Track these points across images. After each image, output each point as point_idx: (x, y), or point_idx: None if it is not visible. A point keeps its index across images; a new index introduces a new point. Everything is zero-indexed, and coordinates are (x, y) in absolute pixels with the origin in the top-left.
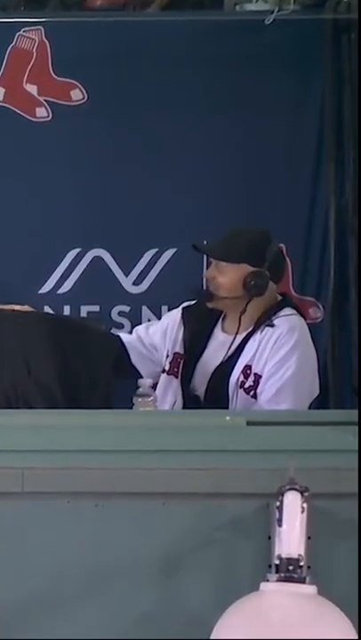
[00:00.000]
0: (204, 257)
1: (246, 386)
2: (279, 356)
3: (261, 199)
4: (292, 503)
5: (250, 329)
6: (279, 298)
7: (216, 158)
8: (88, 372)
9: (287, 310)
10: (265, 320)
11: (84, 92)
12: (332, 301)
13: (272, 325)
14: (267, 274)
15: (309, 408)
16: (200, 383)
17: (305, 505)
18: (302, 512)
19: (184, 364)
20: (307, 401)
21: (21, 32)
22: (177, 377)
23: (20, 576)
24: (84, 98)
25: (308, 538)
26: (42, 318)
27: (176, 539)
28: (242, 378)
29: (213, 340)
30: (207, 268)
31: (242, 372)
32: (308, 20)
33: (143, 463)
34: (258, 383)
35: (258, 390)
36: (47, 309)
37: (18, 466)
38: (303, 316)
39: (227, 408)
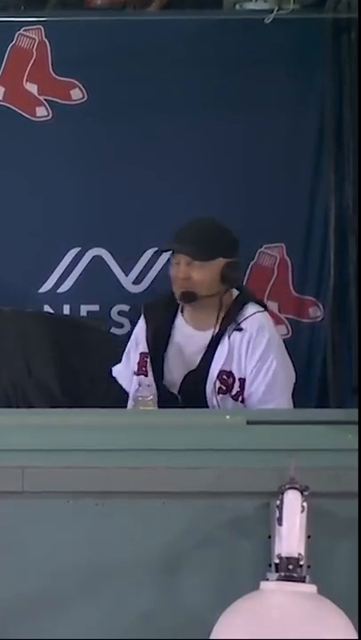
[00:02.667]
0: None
1: (233, 393)
2: (256, 358)
3: (261, 199)
4: (292, 502)
5: (217, 328)
6: (235, 292)
7: (216, 157)
8: (88, 371)
9: (249, 309)
10: (230, 322)
11: (84, 91)
12: (332, 301)
13: (240, 329)
14: (238, 262)
15: (308, 407)
16: (173, 380)
17: (305, 504)
18: (302, 511)
19: (151, 361)
20: (290, 389)
21: (21, 31)
22: (146, 375)
23: (19, 575)
24: (83, 97)
25: (308, 537)
26: (42, 318)
27: (176, 538)
28: (219, 384)
29: (177, 332)
30: (172, 264)
31: (218, 378)
32: (308, 19)
33: (143, 462)
34: (243, 388)
35: (245, 394)
36: (47, 308)
37: (18, 465)
38: (263, 304)
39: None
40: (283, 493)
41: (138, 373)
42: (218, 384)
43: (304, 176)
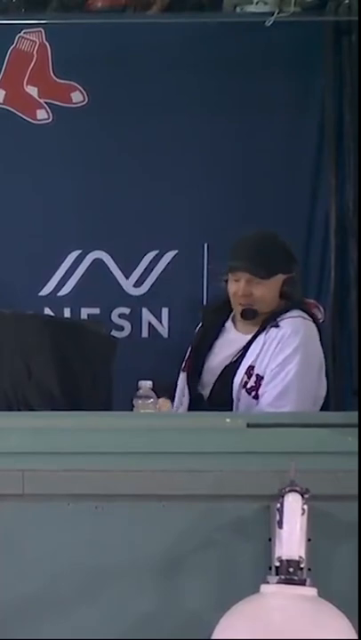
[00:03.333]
0: (205, 260)
1: (248, 386)
2: (281, 358)
3: (262, 200)
4: (293, 505)
5: (257, 329)
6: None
7: (216, 160)
8: (88, 374)
9: (294, 312)
10: (271, 320)
11: (85, 94)
12: (333, 302)
13: (277, 326)
14: (297, 277)
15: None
16: (208, 381)
17: (305, 507)
18: (303, 514)
19: (191, 358)
20: (310, 405)
21: (22, 34)
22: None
23: (19, 578)
24: (84, 100)
25: (309, 540)
26: (42, 321)
27: (176, 541)
28: (245, 378)
29: (224, 337)
30: (224, 277)
31: (245, 372)
32: (308, 22)
33: (143, 465)
34: (260, 384)
35: (259, 392)
36: (48, 311)
37: (18, 468)
38: (314, 318)
39: (230, 409)
40: (283, 496)
41: (184, 370)
42: (244, 378)
43: (305, 178)
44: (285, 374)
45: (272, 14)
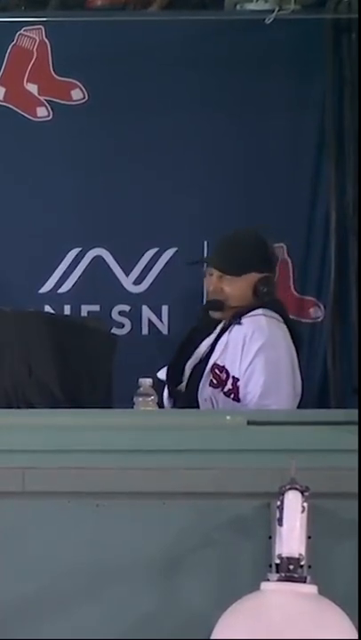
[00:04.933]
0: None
1: (225, 390)
2: (249, 359)
3: (262, 199)
4: (293, 503)
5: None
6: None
7: (217, 158)
8: (89, 371)
9: (258, 310)
10: (235, 319)
11: (85, 91)
12: (333, 301)
13: (239, 324)
14: (273, 277)
15: (307, 407)
16: (185, 376)
17: (305, 504)
18: (303, 512)
19: (176, 355)
20: (290, 402)
21: (22, 31)
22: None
23: (20, 576)
24: (84, 97)
25: (309, 537)
26: (42, 318)
27: (176, 538)
28: (210, 377)
29: (211, 336)
30: (206, 275)
31: (210, 370)
32: (308, 19)
33: (144, 463)
34: (237, 387)
35: (240, 395)
36: (48, 309)
37: (18, 465)
38: (284, 315)
39: (197, 406)
40: (283, 494)
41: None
42: (210, 376)
43: (305, 176)
44: (259, 374)
45: (272, 12)
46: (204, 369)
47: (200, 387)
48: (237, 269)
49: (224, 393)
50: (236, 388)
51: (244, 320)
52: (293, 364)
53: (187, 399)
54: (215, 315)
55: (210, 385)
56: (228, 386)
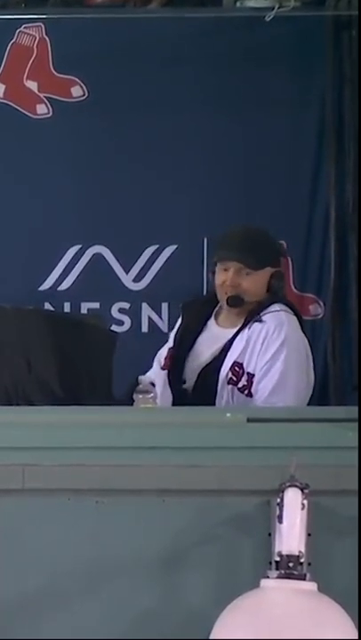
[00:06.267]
0: (205, 254)
1: (240, 385)
2: (268, 355)
3: (262, 196)
4: (293, 500)
5: (240, 324)
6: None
7: (216, 155)
8: (88, 368)
9: (276, 306)
10: (254, 315)
11: (85, 88)
12: (333, 298)
13: (260, 321)
14: (283, 272)
15: (309, 404)
16: (190, 377)
17: (305, 502)
18: (303, 509)
19: (172, 356)
20: (302, 399)
21: (22, 28)
22: (170, 370)
23: (20, 573)
24: (84, 94)
25: (309, 535)
26: (42, 315)
27: (176, 535)
28: (230, 375)
29: (206, 333)
30: (211, 268)
31: (230, 368)
32: (308, 16)
33: (144, 460)
34: (251, 383)
35: (252, 390)
36: (48, 306)
37: (18, 463)
38: (296, 311)
39: (214, 403)
40: (283, 491)
41: (163, 368)
42: (230, 374)
43: (304, 174)
44: (274, 372)
45: (272, 9)
46: (219, 369)
47: (219, 388)
48: (258, 263)
49: (238, 389)
50: (250, 384)
51: (265, 317)
52: (308, 358)
53: (196, 400)
54: (236, 310)
55: (229, 383)
56: (243, 382)
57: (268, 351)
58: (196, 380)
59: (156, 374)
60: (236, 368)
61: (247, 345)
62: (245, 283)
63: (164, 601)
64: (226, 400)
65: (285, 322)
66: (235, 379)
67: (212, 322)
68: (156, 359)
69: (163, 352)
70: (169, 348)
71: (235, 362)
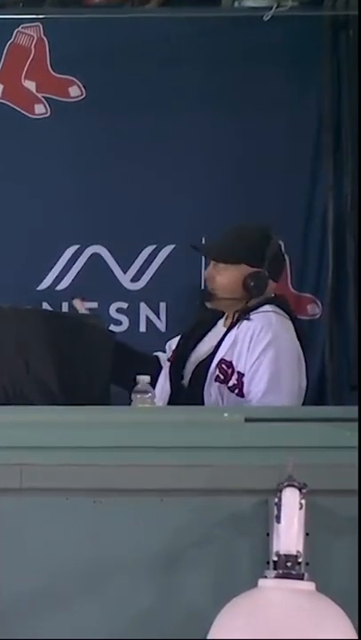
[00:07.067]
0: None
1: (230, 384)
2: (255, 355)
3: (260, 195)
4: (291, 500)
5: (231, 321)
6: (271, 295)
7: (214, 155)
8: (86, 368)
9: (267, 307)
10: (244, 314)
11: (83, 88)
12: (331, 298)
13: (248, 319)
14: (266, 274)
15: (304, 405)
16: (187, 373)
17: (303, 501)
18: (301, 509)
19: (177, 350)
20: (295, 397)
21: (20, 28)
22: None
23: (18, 573)
24: (82, 94)
25: (307, 534)
26: (40, 315)
27: (174, 535)
28: (217, 372)
29: (213, 330)
30: (206, 266)
31: (217, 366)
32: (306, 16)
33: (141, 460)
34: (242, 382)
35: (244, 391)
36: (46, 306)
37: (16, 462)
38: (290, 313)
39: (202, 400)
40: (281, 491)
41: (169, 359)
42: (216, 372)
43: (302, 173)
44: (264, 371)
45: (270, 9)
46: (210, 366)
47: (206, 385)
48: (228, 257)
49: (228, 388)
50: (240, 384)
51: (254, 316)
52: (300, 361)
53: (190, 396)
54: (209, 305)
55: (216, 380)
56: (233, 381)
57: (256, 350)
58: (191, 376)
59: (164, 362)
60: (224, 366)
61: (235, 343)
62: (219, 277)
63: (162, 600)
64: (214, 398)
65: (274, 322)
66: (222, 377)
67: (221, 320)
68: (167, 345)
69: (175, 341)
70: (177, 343)
71: (221, 359)
